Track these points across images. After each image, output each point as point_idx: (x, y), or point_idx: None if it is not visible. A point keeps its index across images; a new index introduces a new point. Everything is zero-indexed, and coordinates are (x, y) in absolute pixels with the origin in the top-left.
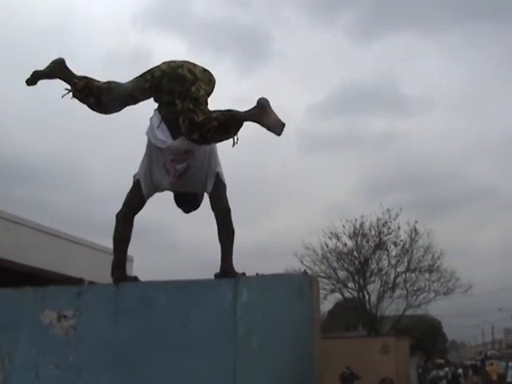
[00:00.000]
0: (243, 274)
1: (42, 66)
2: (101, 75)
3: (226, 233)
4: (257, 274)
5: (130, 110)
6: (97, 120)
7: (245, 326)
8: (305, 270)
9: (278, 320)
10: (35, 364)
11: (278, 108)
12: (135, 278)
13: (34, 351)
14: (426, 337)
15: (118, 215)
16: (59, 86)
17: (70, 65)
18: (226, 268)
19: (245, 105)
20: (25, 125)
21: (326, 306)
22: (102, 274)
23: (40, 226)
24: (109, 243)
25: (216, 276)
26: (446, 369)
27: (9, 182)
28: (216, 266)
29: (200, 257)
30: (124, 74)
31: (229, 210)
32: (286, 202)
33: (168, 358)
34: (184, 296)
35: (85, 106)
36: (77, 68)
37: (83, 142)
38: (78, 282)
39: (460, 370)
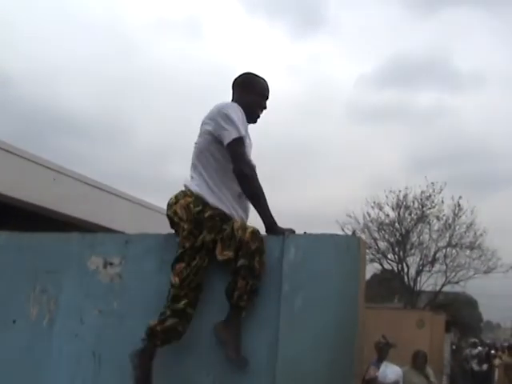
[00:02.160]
0: (292, 230)
1: (95, 32)
2: (151, 42)
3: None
4: (304, 233)
5: (177, 71)
6: (144, 77)
7: (290, 284)
8: (354, 231)
9: (324, 279)
10: (80, 308)
11: (329, 77)
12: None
13: (79, 295)
14: (461, 315)
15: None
16: (109, 42)
17: (120, 30)
18: (269, 224)
19: (296, 71)
20: (74, 81)
21: None
22: (144, 228)
23: (84, 177)
24: (150, 199)
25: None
26: (480, 348)
27: (56, 134)
28: None
29: None
30: (175, 41)
31: (244, 176)
32: (331, 170)
33: (211, 310)
34: None
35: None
36: (127, 34)
37: (130, 98)
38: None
39: (493, 351)
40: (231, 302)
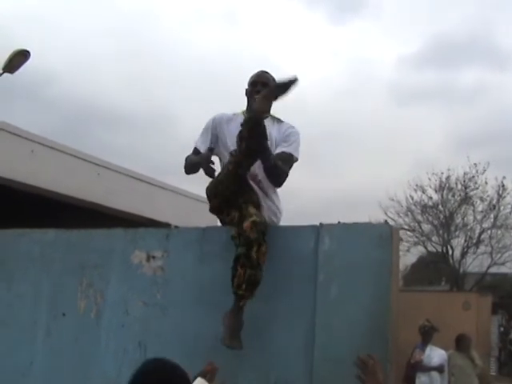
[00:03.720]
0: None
1: (133, 24)
2: (188, 34)
3: None
4: (338, 222)
5: (217, 62)
6: (185, 67)
7: (325, 273)
8: (386, 220)
9: (358, 268)
10: (125, 300)
11: (369, 58)
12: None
13: (124, 288)
14: (509, 296)
15: None
16: (149, 39)
17: (156, 24)
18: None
19: (336, 57)
20: (116, 75)
21: (409, 259)
22: (187, 218)
23: (128, 170)
24: (194, 189)
25: None
26: None
27: (100, 129)
28: None
29: None
30: (214, 27)
31: None
32: (373, 153)
33: (249, 301)
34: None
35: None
36: (163, 27)
37: (172, 89)
38: (165, 226)
39: None
40: (233, 290)
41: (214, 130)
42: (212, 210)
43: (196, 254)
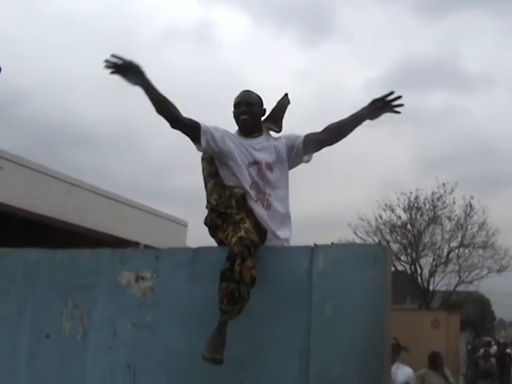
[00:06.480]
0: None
1: (105, 43)
2: (162, 50)
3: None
4: (332, 243)
5: (187, 81)
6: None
7: (320, 293)
8: (379, 241)
9: (353, 288)
10: (112, 322)
11: (338, 82)
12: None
13: (112, 310)
14: (474, 314)
15: None
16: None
17: (130, 40)
18: None
19: (305, 79)
20: (86, 93)
21: None
22: (157, 238)
23: (98, 189)
24: (163, 208)
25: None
26: (495, 347)
27: (69, 147)
28: None
29: None
30: (186, 49)
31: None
32: (342, 174)
33: (243, 322)
34: (260, 261)
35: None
36: (138, 43)
37: (142, 108)
38: (134, 245)
39: (508, 350)
40: (218, 305)
41: (222, 140)
42: (207, 225)
43: (187, 275)
